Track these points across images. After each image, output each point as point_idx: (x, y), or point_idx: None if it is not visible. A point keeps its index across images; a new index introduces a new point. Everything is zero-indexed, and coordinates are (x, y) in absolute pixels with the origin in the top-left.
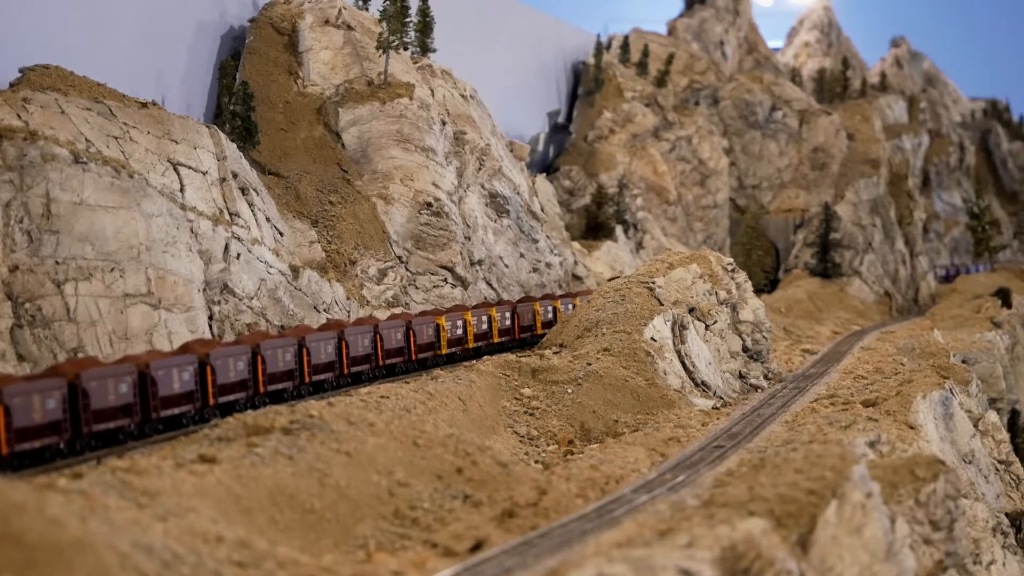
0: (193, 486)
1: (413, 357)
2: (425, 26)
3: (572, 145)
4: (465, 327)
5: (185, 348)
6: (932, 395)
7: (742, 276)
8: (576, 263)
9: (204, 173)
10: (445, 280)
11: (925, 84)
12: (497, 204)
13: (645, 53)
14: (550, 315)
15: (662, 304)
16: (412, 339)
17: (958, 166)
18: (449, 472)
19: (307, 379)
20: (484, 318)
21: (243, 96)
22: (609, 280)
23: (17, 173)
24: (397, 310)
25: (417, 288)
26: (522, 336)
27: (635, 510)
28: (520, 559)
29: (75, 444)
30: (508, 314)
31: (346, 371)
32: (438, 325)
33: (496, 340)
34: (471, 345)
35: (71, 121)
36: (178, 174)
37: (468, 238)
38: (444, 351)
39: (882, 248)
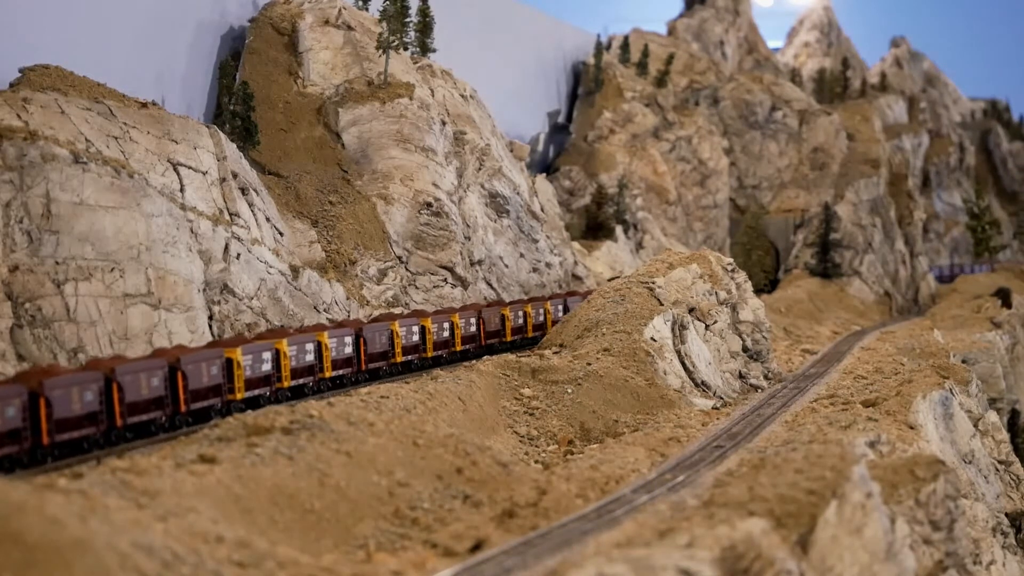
0: (193, 486)
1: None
2: (425, 26)
3: (572, 145)
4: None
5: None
6: (932, 395)
7: (742, 276)
8: (576, 263)
9: (204, 173)
10: (445, 280)
11: (925, 84)
12: (497, 204)
13: (645, 53)
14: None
15: (662, 304)
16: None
17: (958, 166)
18: (449, 472)
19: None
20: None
21: (243, 96)
22: (609, 280)
23: (17, 173)
24: (398, 310)
25: (417, 288)
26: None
27: (635, 510)
28: (520, 559)
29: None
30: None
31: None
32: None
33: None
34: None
35: (71, 121)
36: (178, 174)
37: (468, 238)
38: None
39: (882, 248)
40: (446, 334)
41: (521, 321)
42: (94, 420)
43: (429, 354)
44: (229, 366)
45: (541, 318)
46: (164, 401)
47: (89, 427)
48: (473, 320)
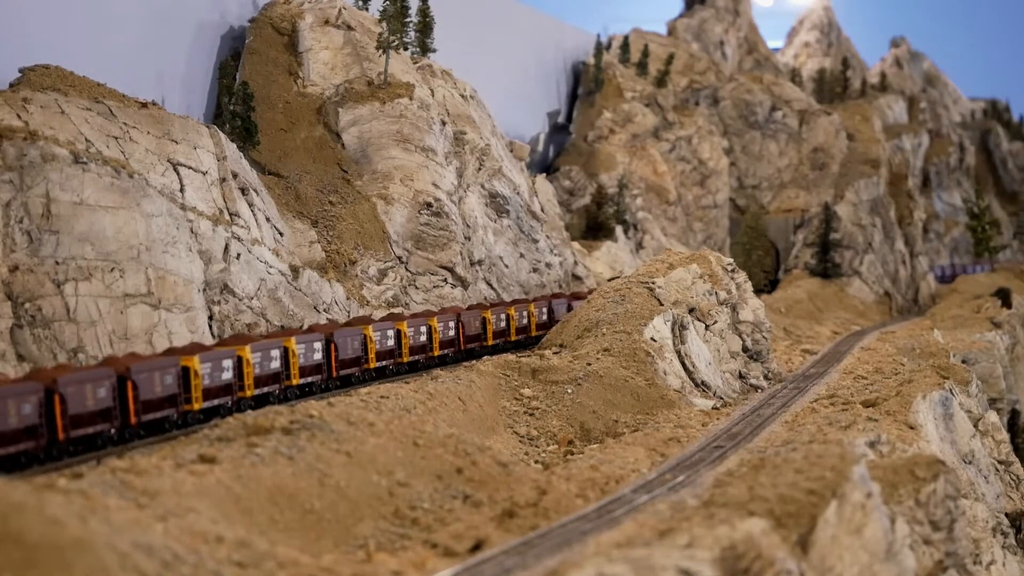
0: (193, 486)
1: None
2: (425, 26)
3: (572, 145)
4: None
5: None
6: (932, 395)
7: (742, 276)
8: (576, 263)
9: (204, 173)
10: (445, 280)
11: (925, 84)
12: (497, 204)
13: (645, 53)
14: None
15: (662, 304)
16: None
17: (958, 166)
18: (449, 472)
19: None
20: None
21: (243, 96)
22: (609, 280)
23: (17, 173)
24: (397, 310)
25: (417, 288)
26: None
27: (635, 510)
28: (520, 559)
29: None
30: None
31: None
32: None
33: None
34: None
35: (71, 121)
36: (178, 174)
37: (468, 238)
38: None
39: (882, 248)
40: (423, 338)
41: (504, 324)
42: (33, 434)
43: (405, 359)
44: (185, 375)
45: (525, 321)
46: (112, 413)
47: (27, 441)
48: (452, 324)
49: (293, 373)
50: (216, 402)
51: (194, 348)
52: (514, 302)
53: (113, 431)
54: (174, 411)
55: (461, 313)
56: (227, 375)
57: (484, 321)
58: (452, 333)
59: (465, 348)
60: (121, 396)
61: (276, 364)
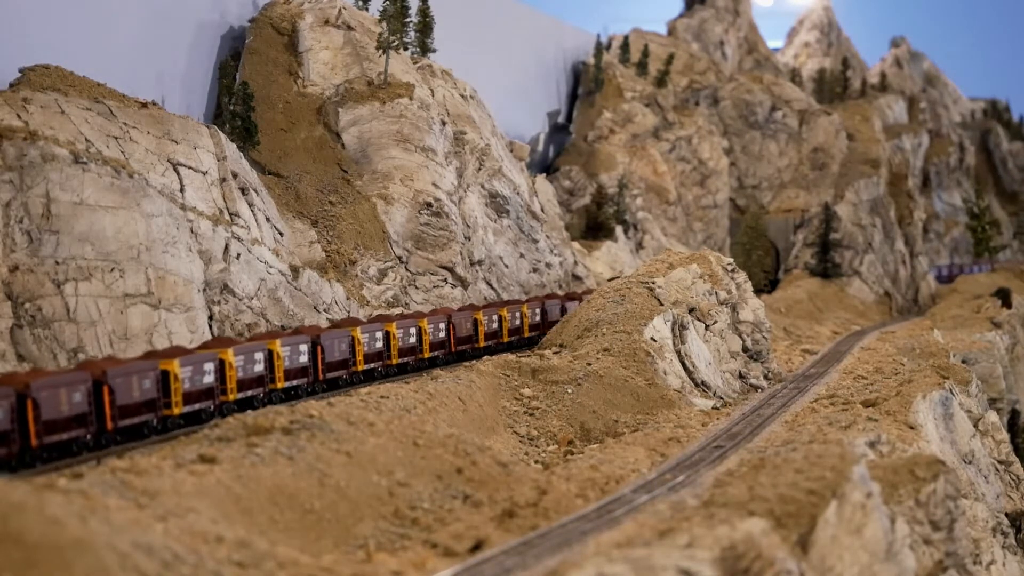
0: (193, 486)
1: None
2: (425, 26)
3: (572, 145)
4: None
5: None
6: (932, 395)
7: (742, 276)
8: (576, 263)
9: (204, 173)
10: (445, 280)
11: (925, 84)
12: (497, 204)
13: (645, 53)
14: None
15: (662, 304)
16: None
17: (958, 166)
18: (449, 472)
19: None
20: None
21: (243, 96)
22: (609, 280)
23: (17, 173)
24: (397, 310)
25: (417, 288)
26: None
27: (635, 510)
28: (520, 559)
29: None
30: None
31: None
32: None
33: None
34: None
35: (71, 121)
36: (178, 174)
37: (468, 238)
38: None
39: (882, 248)
40: (412, 340)
41: (496, 326)
42: (5, 440)
43: (394, 361)
44: (165, 379)
45: (517, 322)
46: (87, 419)
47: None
48: (443, 325)
49: (278, 376)
50: (197, 406)
51: (174, 351)
52: (506, 303)
53: (89, 437)
54: (153, 416)
55: (452, 314)
56: (208, 379)
57: (475, 322)
58: (443, 335)
59: (456, 350)
60: (97, 401)
61: (260, 367)
